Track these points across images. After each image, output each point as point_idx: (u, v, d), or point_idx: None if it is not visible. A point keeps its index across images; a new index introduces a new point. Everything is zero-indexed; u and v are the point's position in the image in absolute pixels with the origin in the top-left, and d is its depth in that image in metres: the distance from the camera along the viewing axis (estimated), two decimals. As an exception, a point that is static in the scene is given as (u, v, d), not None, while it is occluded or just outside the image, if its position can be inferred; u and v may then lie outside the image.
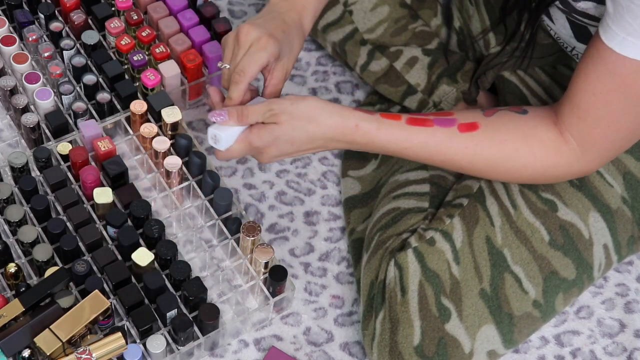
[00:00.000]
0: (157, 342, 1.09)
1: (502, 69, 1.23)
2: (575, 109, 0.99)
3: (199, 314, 1.10)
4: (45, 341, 1.03)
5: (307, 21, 1.11)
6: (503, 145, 1.03)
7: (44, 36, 1.33)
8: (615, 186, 1.13)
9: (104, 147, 1.21)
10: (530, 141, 1.02)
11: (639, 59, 0.92)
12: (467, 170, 1.07)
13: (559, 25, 1.08)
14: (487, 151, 1.03)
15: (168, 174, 1.22)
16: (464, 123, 1.03)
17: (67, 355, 1.04)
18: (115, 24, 1.32)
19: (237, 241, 1.19)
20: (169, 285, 1.12)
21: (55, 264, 1.13)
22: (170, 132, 1.25)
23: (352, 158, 1.31)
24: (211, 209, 1.20)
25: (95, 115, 1.27)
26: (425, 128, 1.03)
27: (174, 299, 1.10)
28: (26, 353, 1.04)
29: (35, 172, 1.22)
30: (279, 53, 1.05)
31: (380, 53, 1.30)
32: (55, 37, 1.33)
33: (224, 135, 1.03)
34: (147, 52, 1.33)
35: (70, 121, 1.27)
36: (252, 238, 1.15)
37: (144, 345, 1.09)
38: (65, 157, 1.22)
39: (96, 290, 1.07)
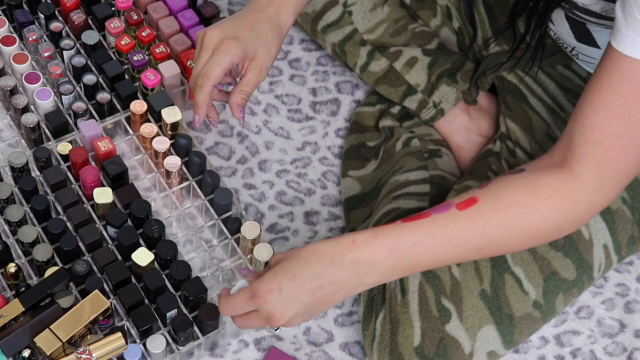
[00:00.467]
0: (157, 342, 1.09)
1: (502, 70, 1.23)
2: (588, 133, 0.94)
3: (199, 314, 1.10)
4: (45, 341, 1.03)
5: (287, 16, 1.11)
6: (511, 209, 0.95)
7: (44, 36, 1.33)
8: (615, 187, 1.12)
9: (104, 147, 1.21)
10: (537, 192, 0.95)
11: None
12: (487, 249, 0.97)
13: (558, 25, 1.08)
14: (495, 219, 0.95)
15: (168, 174, 1.22)
16: (460, 202, 0.96)
17: (67, 355, 1.04)
18: (115, 24, 1.32)
19: (237, 241, 1.19)
20: (169, 285, 1.12)
21: (55, 264, 1.13)
22: (170, 132, 1.25)
23: (352, 158, 1.31)
24: (211, 209, 1.20)
25: (95, 115, 1.27)
26: (422, 220, 0.95)
27: (174, 299, 1.10)
28: (26, 353, 1.04)
29: (35, 172, 1.22)
30: (244, 53, 1.07)
31: (380, 53, 1.30)
32: (55, 37, 1.33)
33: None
34: (147, 52, 1.33)
35: (70, 121, 1.27)
36: (252, 238, 1.15)
37: (144, 345, 1.09)
38: (65, 157, 1.22)
39: (96, 290, 1.07)
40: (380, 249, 0.94)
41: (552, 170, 0.96)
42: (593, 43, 1.07)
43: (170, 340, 1.10)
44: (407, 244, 0.94)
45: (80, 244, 1.15)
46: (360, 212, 1.25)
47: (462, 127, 1.29)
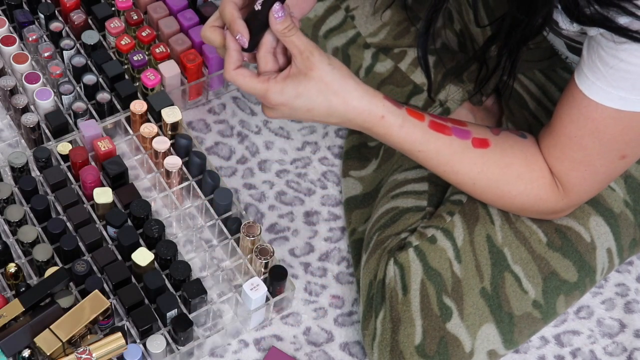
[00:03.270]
0: (157, 342, 1.09)
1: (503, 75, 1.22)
2: (552, 150, 1.00)
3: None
4: (45, 341, 1.03)
5: None
6: (508, 169, 1.02)
7: (44, 36, 1.33)
8: (617, 190, 1.13)
9: (104, 147, 1.21)
10: (532, 168, 1.02)
11: (608, 105, 0.92)
12: (466, 187, 1.05)
13: (551, 37, 1.09)
14: (491, 171, 1.02)
15: (168, 174, 1.22)
16: (477, 138, 1.02)
17: (67, 355, 1.04)
18: (115, 24, 1.32)
19: (237, 241, 1.19)
20: (169, 285, 1.12)
21: (55, 264, 1.13)
22: (170, 132, 1.25)
23: (353, 158, 1.31)
24: (211, 209, 1.20)
25: (95, 115, 1.27)
26: (443, 136, 1.01)
27: (174, 299, 1.10)
28: (26, 353, 1.04)
29: (35, 172, 1.21)
30: None
31: (385, 55, 1.29)
32: (55, 37, 1.33)
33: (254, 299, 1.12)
34: (147, 52, 1.33)
35: (70, 121, 1.27)
36: (252, 238, 1.15)
37: (144, 345, 1.09)
38: (65, 157, 1.22)
39: (96, 290, 1.07)
40: (397, 137, 1.00)
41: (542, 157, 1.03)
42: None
43: (170, 340, 1.10)
44: (418, 147, 1.01)
45: (80, 244, 1.15)
46: (361, 212, 1.25)
47: None
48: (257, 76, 0.96)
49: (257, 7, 0.95)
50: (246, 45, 0.96)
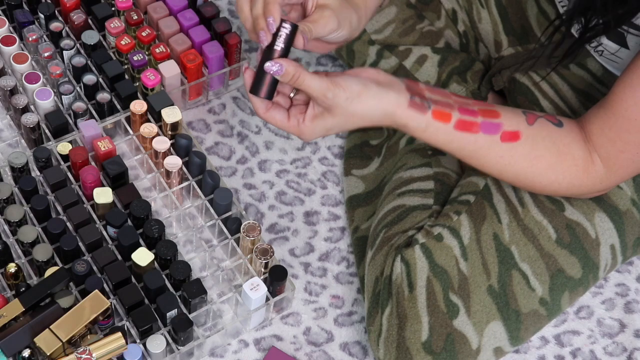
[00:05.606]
0: (157, 342, 1.09)
1: (518, 70, 1.22)
2: (606, 130, 1.00)
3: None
4: (45, 341, 1.03)
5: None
6: (537, 161, 1.02)
7: (44, 36, 1.33)
8: (625, 188, 1.13)
9: (104, 147, 1.21)
10: (563, 159, 1.02)
11: None
12: (494, 175, 1.07)
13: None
14: (519, 164, 1.03)
15: (168, 174, 1.22)
16: (507, 131, 1.02)
17: (67, 355, 1.04)
18: (115, 24, 1.33)
19: (237, 241, 1.19)
20: (169, 285, 1.12)
21: (55, 264, 1.13)
22: (170, 132, 1.25)
23: (355, 157, 1.31)
24: (211, 209, 1.20)
25: (95, 115, 1.27)
26: (469, 134, 1.01)
27: (174, 299, 1.10)
28: (26, 353, 1.04)
29: (35, 172, 1.22)
30: None
31: (389, 52, 1.29)
32: (55, 37, 1.33)
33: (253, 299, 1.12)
34: (147, 52, 1.33)
35: (70, 121, 1.27)
36: (252, 238, 1.15)
37: (144, 345, 1.09)
38: (65, 157, 1.22)
39: (96, 290, 1.07)
40: (420, 137, 1.02)
41: (580, 143, 1.02)
42: (623, 43, 1.07)
43: (170, 340, 1.10)
44: (440, 146, 1.03)
45: (80, 244, 1.15)
46: (364, 210, 1.25)
47: None
48: (288, 119, 1.00)
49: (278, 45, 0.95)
50: (267, 41, 0.95)
